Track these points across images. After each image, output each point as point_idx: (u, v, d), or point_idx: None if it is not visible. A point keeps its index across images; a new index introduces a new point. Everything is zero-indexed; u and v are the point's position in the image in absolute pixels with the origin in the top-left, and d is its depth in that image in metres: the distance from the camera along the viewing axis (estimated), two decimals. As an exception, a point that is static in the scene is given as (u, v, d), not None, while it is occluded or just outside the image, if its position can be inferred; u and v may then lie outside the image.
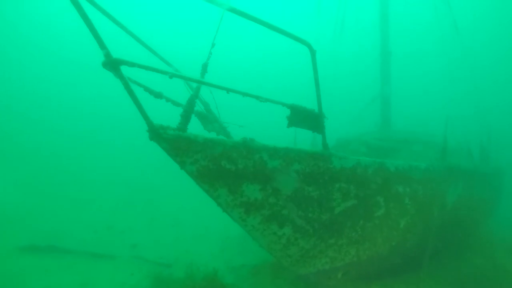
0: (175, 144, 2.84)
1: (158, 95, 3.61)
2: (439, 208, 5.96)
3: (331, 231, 4.52)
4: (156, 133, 2.73)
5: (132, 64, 2.43)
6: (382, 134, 7.67)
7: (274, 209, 3.81)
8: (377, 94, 9.37)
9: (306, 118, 3.55)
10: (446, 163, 5.84)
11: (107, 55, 2.36)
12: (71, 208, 9.08)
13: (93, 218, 8.57)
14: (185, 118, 3.03)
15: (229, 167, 3.23)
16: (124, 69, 2.54)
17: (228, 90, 2.93)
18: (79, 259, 6.19)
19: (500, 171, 8.98)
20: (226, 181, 3.30)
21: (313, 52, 3.18)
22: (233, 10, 2.59)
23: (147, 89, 3.56)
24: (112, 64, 2.38)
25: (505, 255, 7.16)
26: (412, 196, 5.31)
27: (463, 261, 6.36)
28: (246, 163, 3.31)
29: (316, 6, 10.42)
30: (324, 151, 3.82)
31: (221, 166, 3.18)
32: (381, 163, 4.55)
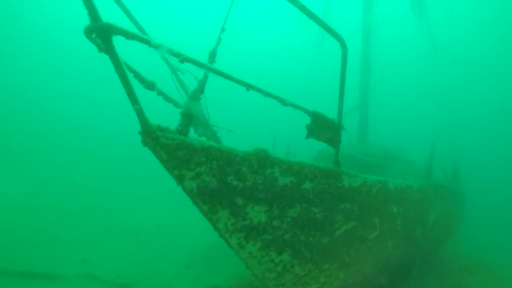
0: (176, 152, 2.14)
1: (150, 86, 2.84)
2: (421, 227, 5.93)
3: (328, 255, 4.09)
4: (153, 137, 2.01)
5: (130, 35, 1.71)
6: (364, 149, 7.52)
7: (277, 233, 3.23)
8: (355, 106, 9.26)
9: (324, 128, 3.03)
10: (432, 182, 5.82)
11: (95, 18, 1.62)
12: (3, 216, 7.59)
13: (33, 228, 7.17)
14: (187, 118, 2.33)
15: (236, 183, 2.59)
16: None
17: (248, 87, 2.30)
18: (13, 280, 5.01)
19: (464, 189, 9.33)
20: (230, 201, 2.64)
21: (344, 51, 2.68)
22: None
23: (137, 76, 2.79)
24: (102, 31, 1.64)
25: (459, 275, 7.27)
26: (403, 216, 5.20)
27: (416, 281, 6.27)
28: (256, 180, 2.70)
29: (298, 15, 10.17)
30: (336, 168, 3.35)
31: (226, 182, 2.53)
32: (384, 182, 4.25)
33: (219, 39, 2.86)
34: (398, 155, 8.07)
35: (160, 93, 3.07)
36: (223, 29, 2.89)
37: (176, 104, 3.36)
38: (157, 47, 1.79)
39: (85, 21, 1.75)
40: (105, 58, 1.82)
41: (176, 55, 1.86)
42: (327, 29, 2.54)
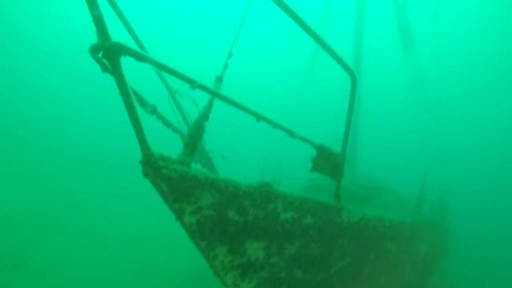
0: (178, 185, 1.96)
1: (150, 109, 2.67)
2: (412, 261, 5.87)
3: None
4: (155, 168, 1.82)
5: (141, 57, 1.58)
6: (353, 179, 7.49)
7: (273, 270, 3.03)
8: (341, 136, 9.29)
9: (328, 162, 2.93)
10: (422, 217, 5.84)
11: (104, 36, 1.48)
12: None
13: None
14: (191, 147, 2.17)
15: (237, 219, 2.41)
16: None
17: (258, 118, 2.18)
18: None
19: (449, 222, 9.41)
20: (229, 237, 2.45)
21: (354, 85, 2.64)
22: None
23: (139, 99, 2.61)
24: (111, 51, 1.50)
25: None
26: (396, 251, 5.10)
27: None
28: (257, 215, 2.53)
29: (291, 39, 10.37)
30: (337, 203, 3.24)
31: (227, 217, 2.35)
32: (380, 218, 4.17)
33: (226, 65, 2.75)
34: (385, 185, 8.09)
35: (160, 117, 2.90)
36: (230, 55, 2.79)
37: (175, 130, 3.18)
38: (172, 73, 1.65)
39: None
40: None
41: (190, 81, 1.72)
42: (339, 60, 2.49)
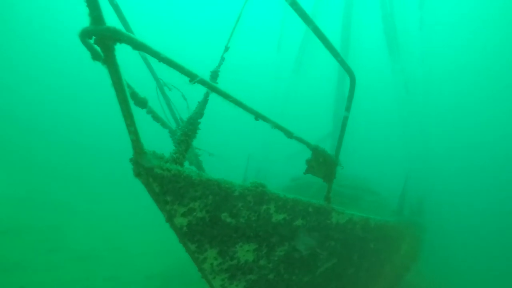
0: (171, 185, 1.83)
1: (141, 103, 2.50)
2: (393, 261, 5.98)
3: None
4: (147, 167, 1.69)
5: (138, 46, 1.44)
6: (339, 179, 7.50)
7: (262, 273, 2.96)
8: (328, 134, 9.36)
9: (322, 164, 2.88)
10: (404, 218, 5.95)
11: (98, 20, 1.33)
12: None
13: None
14: (184, 145, 2.04)
15: (229, 221, 2.31)
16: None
17: (257, 116, 2.08)
18: None
19: (426, 222, 9.71)
20: (220, 239, 2.35)
21: (353, 86, 2.59)
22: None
23: (132, 92, 2.44)
24: (105, 37, 1.36)
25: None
26: (379, 251, 5.17)
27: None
28: (250, 216, 2.45)
29: (278, 42, 10.28)
30: (327, 205, 3.20)
31: (220, 219, 2.24)
32: (366, 219, 4.18)
33: (222, 59, 2.63)
34: (368, 185, 8.20)
35: (150, 111, 2.73)
36: (226, 48, 2.66)
37: (164, 125, 3.02)
38: (171, 65, 1.51)
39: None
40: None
41: (190, 75, 1.60)
42: (340, 61, 2.43)
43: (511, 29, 24.72)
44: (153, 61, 3.28)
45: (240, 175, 7.72)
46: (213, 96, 2.84)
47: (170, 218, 1.98)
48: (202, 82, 1.64)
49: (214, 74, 2.53)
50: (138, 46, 1.43)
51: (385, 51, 8.74)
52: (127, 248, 8.50)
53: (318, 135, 9.32)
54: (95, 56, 1.87)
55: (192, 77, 1.61)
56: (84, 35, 1.40)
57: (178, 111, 3.33)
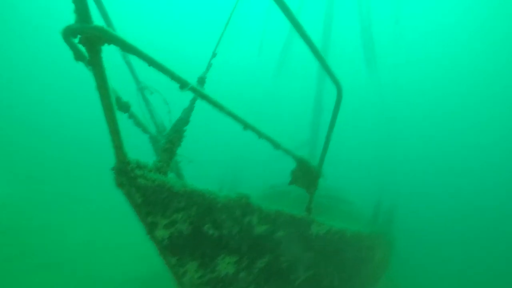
0: (154, 196, 1.74)
1: (123, 107, 2.37)
2: (367, 270, 6.09)
3: None
4: (130, 177, 1.59)
5: (128, 48, 1.35)
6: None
7: (242, 285, 2.89)
8: (304, 142, 9.44)
9: (306, 175, 2.87)
10: (378, 229, 6.09)
11: (85, 17, 1.24)
12: None
13: None
14: (169, 153, 1.95)
15: (211, 232, 2.23)
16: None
17: (246, 126, 2.03)
18: None
19: (396, 231, 10.01)
20: (202, 251, 2.26)
21: (339, 97, 2.60)
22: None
23: (116, 97, 2.31)
24: (92, 37, 1.26)
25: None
26: (354, 261, 5.24)
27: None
28: (232, 228, 2.38)
29: (259, 45, 10.31)
30: (308, 216, 3.19)
31: (202, 231, 2.16)
32: (343, 230, 4.22)
33: (210, 65, 2.55)
34: (341, 195, 8.33)
35: (132, 116, 2.60)
36: (214, 54, 2.59)
37: (145, 130, 2.88)
38: (162, 70, 1.43)
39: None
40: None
41: (181, 82, 1.52)
42: (329, 72, 2.43)
43: (483, 41, 26.36)
44: (135, 62, 3.15)
45: (218, 181, 7.60)
46: (197, 102, 2.76)
47: (151, 231, 1.87)
48: (193, 90, 1.56)
49: (201, 80, 2.45)
50: (129, 48, 1.34)
51: (362, 62, 9.04)
52: (101, 250, 8.12)
53: (296, 141, 9.38)
54: (78, 56, 1.74)
55: (183, 84, 1.53)
56: (68, 33, 1.29)
57: (159, 116, 3.20)
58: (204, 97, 1.69)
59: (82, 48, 1.59)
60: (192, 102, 2.28)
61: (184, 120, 2.13)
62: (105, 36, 1.27)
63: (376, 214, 6.09)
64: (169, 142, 1.98)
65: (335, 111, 2.72)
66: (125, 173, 1.58)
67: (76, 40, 1.36)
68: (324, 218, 3.98)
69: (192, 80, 2.22)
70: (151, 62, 1.43)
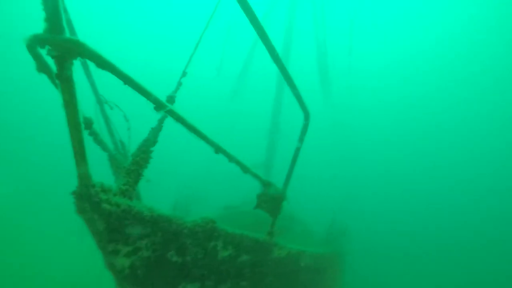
0: (118, 222, 1.60)
1: (86, 124, 2.18)
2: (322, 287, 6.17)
3: None
4: (94, 202, 1.46)
5: (104, 64, 1.27)
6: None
7: None
8: (260, 164, 9.51)
9: (270, 198, 2.87)
10: (333, 248, 6.25)
11: (56, 27, 1.14)
12: None
13: None
14: (135, 176, 1.83)
15: (175, 259, 2.10)
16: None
17: (217, 150, 1.99)
18: None
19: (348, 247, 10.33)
20: (164, 280, 2.12)
21: (306, 124, 2.68)
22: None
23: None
24: (65, 49, 1.16)
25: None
26: (311, 281, 5.28)
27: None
28: (197, 254, 2.27)
29: (218, 66, 10.32)
30: (270, 239, 3.17)
31: (165, 258, 2.03)
32: (301, 252, 4.27)
33: (179, 84, 2.48)
34: (293, 215, 8.47)
35: (92, 133, 2.40)
36: (184, 73, 2.54)
37: (105, 149, 2.67)
38: (138, 90, 1.36)
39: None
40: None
41: (158, 103, 1.45)
42: (299, 99, 2.50)
43: (435, 67, 29.11)
44: (96, 74, 2.97)
45: (171, 200, 7.35)
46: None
47: (111, 260, 1.71)
48: (170, 113, 1.50)
49: (171, 99, 2.37)
50: (105, 65, 1.26)
51: (318, 87, 9.50)
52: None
53: (251, 162, 9.41)
54: (42, 67, 1.58)
55: (160, 106, 1.46)
56: (35, 43, 1.17)
57: (118, 133, 3.02)
58: (181, 120, 1.63)
59: (48, 59, 1.46)
60: (160, 122, 2.18)
61: (151, 140, 2.02)
62: (80, 50, 1.17)
63: (330, 234, 6.27)
64: (135, 163, 1.86)
65: (301, 136, 2.78)
66: (89, 198, 1.44)
67: (42, 51, 1.24)
68: (282, 239, 3.99)
69: (161, 98, 2.14)
70: (127, 80, 1.35)
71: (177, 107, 2.52)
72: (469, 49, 27.27)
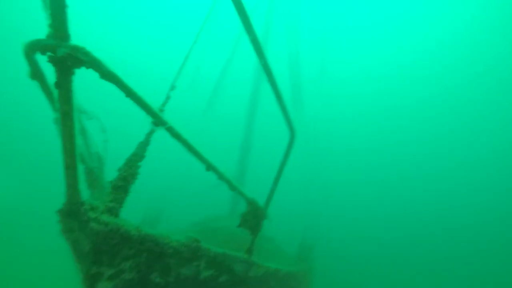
0: (105, 242, 1.50)
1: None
2: None
3: None
4: (83, 220, 1.36)
5: (109, 77, 1.22)
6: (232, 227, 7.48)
7: None
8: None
9: (252, 216, 2.84)
10: (304, 266, 6.32)
11: (62, 33, 1.08)
12: None
13: None
14: (122, 192, 1.73)
15: (158, 281, 2.00)
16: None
17: (208, 167, 1.96)
18: None
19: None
20: (145, 304, 1.99)
21: (292, 140, 2.72)
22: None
23: None
24: (69, 58, 1.10)
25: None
26: None
27: None
28: (179, 274, 2.17)
29: (190, 79, 10.17)
30: (249, 258, 3.12)
31: (149, 280, 1.92)
32: (278, 270, 4.25)
33: (168, 97, 2.42)
34: (264, 233, 8.44)
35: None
36: (173, 87, 2.48)
37: (83, 161, 2.49)
38: (139, 103, 1.30)
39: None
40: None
41: (158, 119, 1.40)
42: (286, 116, 2.52)
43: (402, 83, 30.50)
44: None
45: (139, 214, 7.06)
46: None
47: (92, 283, 1.58)
48: (170, 130, 1.45)
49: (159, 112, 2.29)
50: (109, 76, 1.20)
51: (290, 100, 9.65)
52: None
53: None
54: (36, 75, 1.47)
55: (160, 122, 1.41)
56: (35, 49, 1.10)
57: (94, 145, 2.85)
58: (178, 138, 1.58)
59: (44, 66, 1.38)
60: (148, 136, 2.10)
61: (139, 155, 1.93)
62: (85, 59, 1.11)
63: (300, 252, 6.31)
64: (122, 179, 1.76)
65: (286, 155, 2.80)
66: (77, 216, 1.33)
67: (40, 56, 1.16)
68: (256, 258, 3.95)
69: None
70: (130, 93, 1.29)
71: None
72: (454, 55, 28.56)
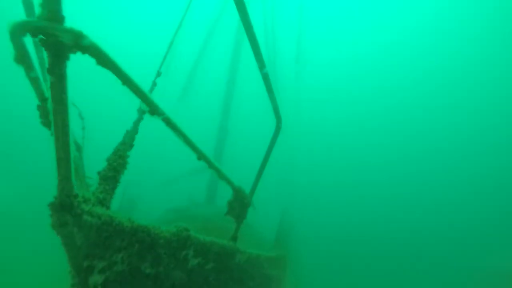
0: (97, 235, 1.46)
1: (49, 122, 1.91)
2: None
3: None
4: (76, 213, 1.30)
5: (106, 63, 1.16)
6: (214, 210, 7.46)
7: None
8: (203, 167, 9.35)
9: (239, 204, 2.86)
10: (283, 251, 6.46)
11: (55, 15, 1.01)
12: None
13: None
14: (112, 182, 1.69)
15: (148, 271, 1.98)
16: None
17: (200, 156, 1.94)
18: None
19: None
20: (136, 294, 1.98)
21: (278, 130, 2.74)
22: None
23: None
24: (61, 42, 1.03)
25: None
26: (263, 283, 5.36)
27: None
28: (169, 264, 2.17)
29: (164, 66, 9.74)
30: (234, 245, 3.16)
31: (140, 271, 1.89)
32: (259, 256, 4.33)
33: (154, 84, 2.33)
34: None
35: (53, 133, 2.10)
36: (159, 73, 2.39)
37: None
38: (135, 91, 1.25)
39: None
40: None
41: (155, 109, 1.36)
42: (274, 105, 2.53)
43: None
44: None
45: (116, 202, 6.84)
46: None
47: (84, 277, 1.54)
48: (166, 121, 1.41)
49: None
50: (106, 63, 1.13)
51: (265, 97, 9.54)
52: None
53: (194, 166, 9.22)
54: (21, 58, 1.35)
55: (156, 112, 1.37)
56: (24, 30, 1.01)
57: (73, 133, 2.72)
58: (173, 128, 1.54)
59: (30, 49, 1.28)
60: (136, 124, 2.03)
61: (127, 144, 1.87)
62: (82, 44, 1.04)
63: (279, 236, 6.44)
64: (111, 169, 1.70)
65: (272, 143, 2.81)
66: (70, 209, 1.28)
67: (28, 39, 1.08)
68: (239, 244, 4.00)
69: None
70: (126, 81, 1.23)
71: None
72: (440, 36, 29.00)
